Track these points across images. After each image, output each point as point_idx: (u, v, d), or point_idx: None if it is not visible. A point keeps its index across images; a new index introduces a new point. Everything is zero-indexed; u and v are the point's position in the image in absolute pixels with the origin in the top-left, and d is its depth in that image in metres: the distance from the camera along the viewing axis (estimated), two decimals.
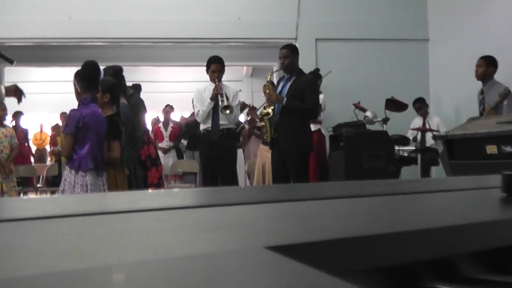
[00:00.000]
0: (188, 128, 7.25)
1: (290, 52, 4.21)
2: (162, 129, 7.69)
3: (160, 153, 7.58)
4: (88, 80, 3.15)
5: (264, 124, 4.19)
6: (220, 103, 4.50)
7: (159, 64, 8.97)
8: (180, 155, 7.89)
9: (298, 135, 4.11)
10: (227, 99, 4.55)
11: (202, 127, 4.75)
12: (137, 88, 5.31)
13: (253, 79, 12.12)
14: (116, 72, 3.93)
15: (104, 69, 3.95)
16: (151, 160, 4.39)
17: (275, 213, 0.52)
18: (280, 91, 4.27)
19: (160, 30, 6.72)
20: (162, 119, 8.29)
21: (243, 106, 6.71)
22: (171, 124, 7.77)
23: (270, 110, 4.13)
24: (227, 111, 4.47)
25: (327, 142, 5.55)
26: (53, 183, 6.76)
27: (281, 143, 4.14)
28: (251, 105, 7.43)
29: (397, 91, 6.18)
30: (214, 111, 4.62)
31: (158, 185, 4.41)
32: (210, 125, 4.65)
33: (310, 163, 5.07)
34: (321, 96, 5.53)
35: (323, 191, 0.79)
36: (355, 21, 6.82)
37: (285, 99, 4.10)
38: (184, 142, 8.25)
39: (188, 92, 10.63)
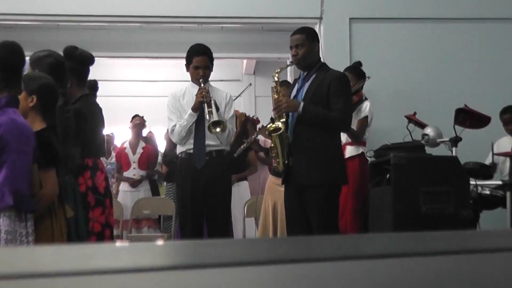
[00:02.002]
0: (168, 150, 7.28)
1: (306, 38, 4.25)
2: (128, 150, 7.73)
3: (124, 187, 7.58)
4: (3, 70, 2.98)
5: (273, 145, 4.20)
6: (206, 115, 4.49)
7: (116, 55, 9.05)
8: (155, 190, 7.89)
9: (322, 159, 4.11)
10: (217, 109, 4.55)
11: (179, 149, 4.75)
12: (92, 86, 5.31)
13: (257, 78, 12.16)
14: (56, 64, 3.89)
15: (36, 57, 3.86)
16: (96, 194, 4.31)
17: (286, 278, 0.52)
18: (295, 96, 4.28)
19: (120, 4, 6.79)
20: (115, 136, 8.30)
21: (245, 120, 6.71)
22: (141, 144, 7.80)
23: (280, 124, 4.14)
24: (217, 129, 4.46)
25: None
26: None
27: (297, 172, 4.15)
28: (255, 118, 7.46)
29: (473, 96, 6.18)
30: (198, 127, 4.62)
31: (101, 235, 4.29)
32: (191, 147, 4.65)
33: (349, 203, 5.05)
34: (366, 104, 5.53)
35: (360, 247, 0.79)
36: None
37: (301, 105, 4.11)
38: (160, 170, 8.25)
39: (159, 96, 10.67)
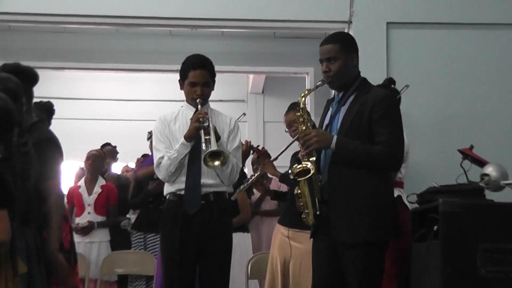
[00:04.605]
0: (140, 189, 7.23)
1: (340, 49, 4.18)
2: (83, 189, 7.69)
3: (76, 236, 7.51)
4: None
5: (301, 192, 4.11)
6: (203, 145, 4.49)
7: (86, 67, 9.09)
8: (125, 241, 7.82)
9: (367, 208, 4.05)
10: (218, 138, 4.57)
11: (167, 189, 4.77)
12: (46, 109, 5.31)
13: (266, 98, 12.21)
14: (11, 86, 3.96)
15: None
16: (62, 251, 4.35)
17: None
18: (329, 124, 4.25)
19: (91, 1, 6.80)
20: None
21: (247, 149, 6.70)
22: (100, 181, 7.78)
23: (309, 165, 4.08)
24: (216, 162, 4.46)
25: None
26: None
27: (333, 225, 4.09)
28: (261, 148, 7.45)
29: None
30: (192, 160, 4.64)
31: None
32: (182, 186, 4.67)
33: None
34: None
35: None
36: None
37: (334, 139, 4.06)
38: (131, 216, 8.20)
39: (141, 120, 10.65)
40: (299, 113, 4.24)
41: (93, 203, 7.58)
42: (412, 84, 6.25)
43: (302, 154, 4.13)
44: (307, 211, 4.11)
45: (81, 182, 7.73)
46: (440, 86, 6.73)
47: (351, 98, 4.18)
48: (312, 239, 4.33)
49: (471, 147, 5.75)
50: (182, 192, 4.66)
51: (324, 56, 4.19)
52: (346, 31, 6.65)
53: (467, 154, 5.69)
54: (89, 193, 7.62)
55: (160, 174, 4.73)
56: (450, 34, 6.87)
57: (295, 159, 4.37)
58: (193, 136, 4.58)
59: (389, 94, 4.42)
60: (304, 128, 4.18)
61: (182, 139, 4.61)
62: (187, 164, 4.64)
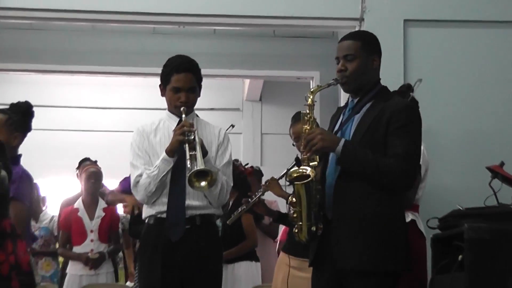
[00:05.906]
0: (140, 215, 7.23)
1: (361, 47, 4.21)
2: (83, 213, 7.66)
3: (75, 269, 7.48)
4: None
5: (296, 200, 4.08)
6: (188, 162, 4.45)
7: (56, 69, 9.10)
8: (115, 273, 7.84)
9: (376, 233, 4.03)
10: (205, 153, 4.56)
11: (146, 212, 4.77)
12: (22, 111, 5.30)
13: (264, 106, 12.21)
14: None
15: None
16: (21, 275, 4.26)
17: None
18: (337, 133, 4.22)
19: None
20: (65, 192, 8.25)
21: (237, 170, 6.70)
22: (101, 204, 7.74)
23: (309, 170, 4.04)
24: (202, 183, 4.43)
25: (429, 252, 5.51)
26: None
27: (336, 251, 4.07)
28: (248, 167, 7.45)
29: None
30: (175, 179, 4.64)
31: None
32: (164, 209, 4.66)
33: None
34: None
35: None
36: None
37: (341, 142, 4.04)
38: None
39: (119, 131, 10.64)
40: (304, 112, 4.21)
41: (97, 230, 7.57)
42: (432, 91, 6.26)
43: (304, 157, 4.11)
44: (300, 223, 4.08)
45: (79, 205, 7.69)
46: (464, 93, 6.75)
47: (367, 106, 4.19)
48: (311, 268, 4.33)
49: (502, 164, 5.72)
50: (164, 215, 4.65)
51: (341, 53, 4.22)
52: (356, 29, 6.65)
53: (497, 172, 5.66)
54: (91, 218, 7.61)
55: (138, 194, 4.72)
56: (476, 33, 6.90)
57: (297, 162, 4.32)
58: (175, 150, 4.57)
59: (410, 105, 4.40)
60: (308, 127, 4.16)
61: (164, 154, 4.59)
62: (169, 183, 4.64)
